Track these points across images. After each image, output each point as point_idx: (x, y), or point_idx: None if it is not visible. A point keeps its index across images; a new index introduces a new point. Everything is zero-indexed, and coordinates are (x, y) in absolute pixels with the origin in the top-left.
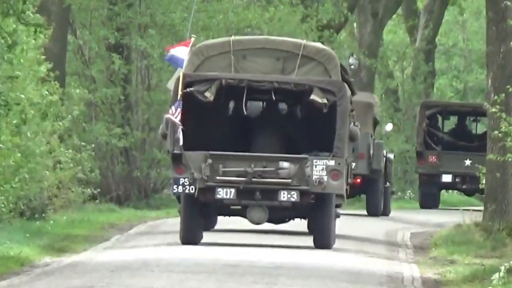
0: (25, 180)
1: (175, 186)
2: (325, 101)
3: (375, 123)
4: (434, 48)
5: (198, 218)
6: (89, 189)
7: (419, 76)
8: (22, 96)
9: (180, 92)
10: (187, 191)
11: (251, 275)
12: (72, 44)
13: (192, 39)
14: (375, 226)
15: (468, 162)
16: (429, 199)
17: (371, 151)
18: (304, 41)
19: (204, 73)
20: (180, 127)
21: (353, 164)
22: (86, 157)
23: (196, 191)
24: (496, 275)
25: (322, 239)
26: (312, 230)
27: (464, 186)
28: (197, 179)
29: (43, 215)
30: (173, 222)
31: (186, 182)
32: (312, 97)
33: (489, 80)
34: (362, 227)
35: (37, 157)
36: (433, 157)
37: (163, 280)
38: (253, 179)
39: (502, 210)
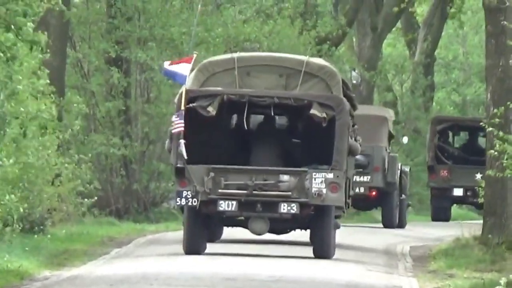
0: (23, 194)
1: (178, 199)
2: (324, 115)
3: (390, 137)
4: (433, 62)
5: (201, 229)
6: (87, 199)
7: (418, 90)
8: (22, 109)
9: (182, 108)
10: (189, 203)
11: None
12: (71, 58)
13: (195, 55)
14: (376, 238)
15: (479, 176)
16: (440, 213)
17: (386, 165)
18: (306, 58)
19: (206, 88)
20: (182, 141)
21: (369, 177)
22: (86, 169)
23: (199, 203)
24: None
25: (322, 249)
26: (312, 240)
27: (475, 200)
28: (200, 192)
29: (42, 228)
30: (173, 236)
31: (189, 195)
32: (312, 111)
33: (488, 94)
34: (363, 239)
35: (36, 171)
36: (445, 171)
37: None
38: (254, 192)
39: (501, 224)
